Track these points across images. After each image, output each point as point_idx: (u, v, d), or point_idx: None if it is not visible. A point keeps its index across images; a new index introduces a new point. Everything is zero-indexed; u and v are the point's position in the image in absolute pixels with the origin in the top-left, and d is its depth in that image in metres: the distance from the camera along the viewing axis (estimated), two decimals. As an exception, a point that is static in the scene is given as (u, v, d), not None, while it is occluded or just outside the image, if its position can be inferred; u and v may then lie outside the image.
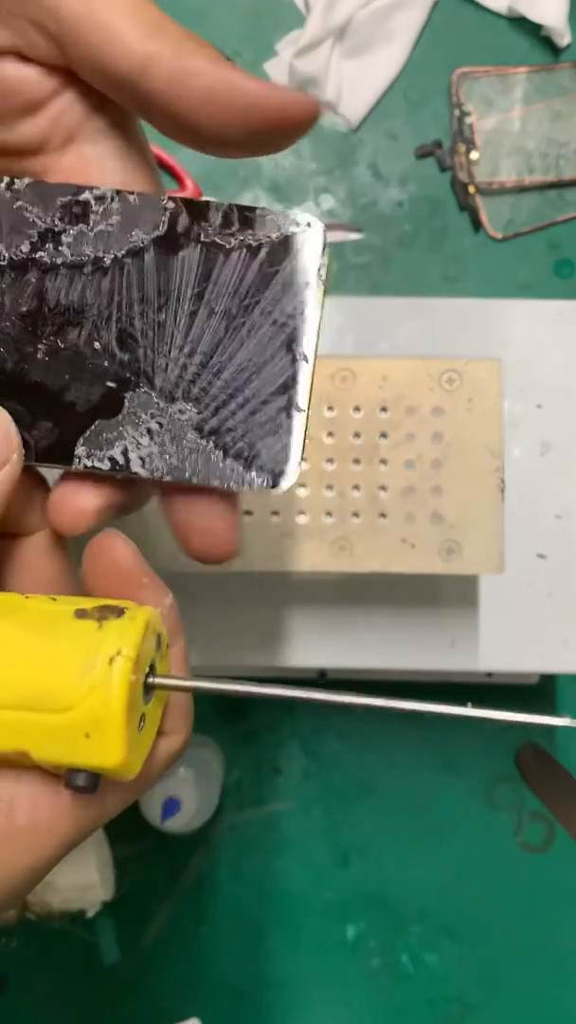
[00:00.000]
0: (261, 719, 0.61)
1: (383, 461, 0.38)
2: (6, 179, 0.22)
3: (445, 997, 0.59)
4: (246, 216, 0.22)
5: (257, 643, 0.46)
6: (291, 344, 0.22)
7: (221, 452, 0.22)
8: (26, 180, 0.22)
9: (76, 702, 0.19)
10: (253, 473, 0.22)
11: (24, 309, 0.22)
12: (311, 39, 0.60)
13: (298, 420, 0.22)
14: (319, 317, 0.22)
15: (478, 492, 0.38)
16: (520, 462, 0.46)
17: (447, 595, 0.45)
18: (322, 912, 0.60)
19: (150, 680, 0.21)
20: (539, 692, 0.60)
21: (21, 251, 0.22)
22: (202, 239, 0.22)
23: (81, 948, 0.59)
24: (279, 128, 0.20)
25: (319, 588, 0.46)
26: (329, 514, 0.38)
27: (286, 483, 0.22)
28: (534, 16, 0.61)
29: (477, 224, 0.62)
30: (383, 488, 0.38)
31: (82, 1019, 0.59)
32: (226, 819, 0.60)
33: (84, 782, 0.19)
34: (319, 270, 0.22)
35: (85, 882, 0.55)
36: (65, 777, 0.20)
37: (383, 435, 0.37)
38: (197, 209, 0.22)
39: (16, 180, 0.22)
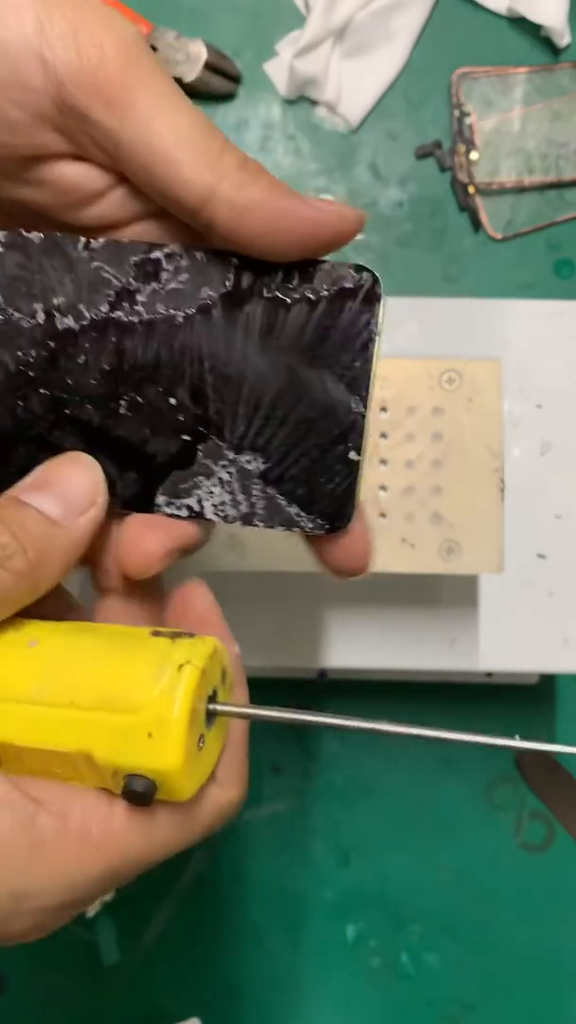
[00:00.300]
0: (261, 719, 0.61)
1: (383, 461, 0.38)
2: (83, 239, 0.23)
3: (445, 997, 0.59)
4: (306, 270, 0.23)
5: (257, 643, 0.46)
6: (348, 396, 0.23)
7: (285, 499, 0.24)
8: (101, 240, 0.23)
9: (145, 704, 0.20)
10: (314, 517, 0.24)
11: (106, 367, 0.23)
12: (311, 39, 0.60)
13: (354, 468, 0.23)
14: (374, 368, 0.23)
15: (478, 492, 0.38)
16: (520, 462, 0.46)
17: (447, 595, 0.46)
18: (322, 912, 0.60)
19: (211, 707, 0.22)
20: (539, 692, 0.60)
21: (101, 311, 0.23)
22: (265, 295, 0.23)
23: (81, 948, 0.59)
24: (331, 244, 0.22)
25: (319, 588, 0.46)
26: (329, 514, 0.38)
27: (343, 527, 0.24)
28: (534, 16, 0.61)
29: (477, 224, 0.62)
30: (383, 488, 0.38)
31: (82, 1019, 0.59)
32: (226, 819, 0.60)
33: (141, 788, 0.20)
34: (374, 322, 0.23)
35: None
36: (124, 783, 0.20)
37: (383, 435, 0.38)
38: (261, 264, 0.23)
39: (92, 240, 0.23)
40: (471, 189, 0.62)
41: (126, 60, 0.20)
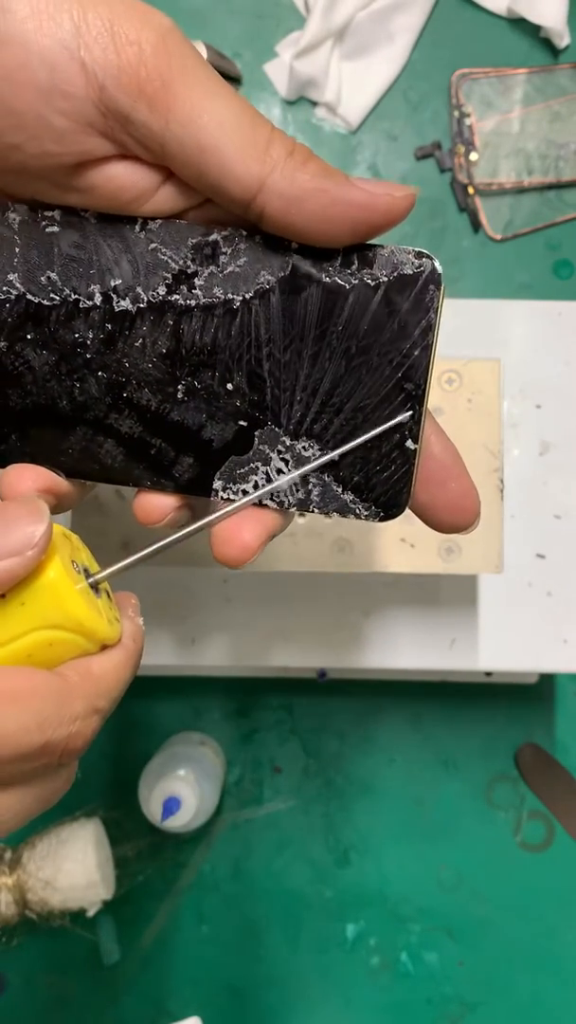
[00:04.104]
0: (261, 718, 0.61)
1: (383, 461, 0.38)
2: (140, 220, 0.22)
3: (444, 996, 0.59)
4: (365, 254, 0.22)
5: (257, 643, 0.46)
6: (405, 383, 0.23)
7: (340, 486, 0.23)
8: (158, 221, 0.22)
9: (37, 583, 0.21)
10: (369, 505, 0.23)
11: (163, 351, 0.23)
12: (311, 40, 0.60)
13: (411, 457, 0.23)
14: (432, 356, 0.23)
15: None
16: (519, 462, 0.46)
17: (447, 595, 0.46)
18: (322, 911, 0.60)
19: (90, 580, 0.22)
20: (538, 691, 0.60)
21: (158, 294, 0.23)
22: (323, 280, 0.22)
23: (81, 948, 0.59)
24: (383, 227, 0.22)
25: (319, 588, 0.46)
26: (329, 514, 0.38)
27: (397, 515, 0.23)
28: (533, 17, 0.61)
29: (476, 225, 0.62)
30: (383, 488, 0.38)
31: (82, 1019, 0.59)
32: (226, 818, 0.60)
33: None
34: (433, 308, 0.22)
35: (86, 881, 0.55)
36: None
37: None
38: (319, 248, 0.22)
39: (150, 221, 0.22)
40: (471, 190, 0.62)
41: (166, 54, 0.20)
